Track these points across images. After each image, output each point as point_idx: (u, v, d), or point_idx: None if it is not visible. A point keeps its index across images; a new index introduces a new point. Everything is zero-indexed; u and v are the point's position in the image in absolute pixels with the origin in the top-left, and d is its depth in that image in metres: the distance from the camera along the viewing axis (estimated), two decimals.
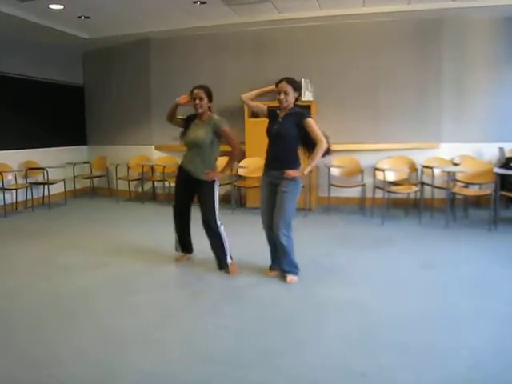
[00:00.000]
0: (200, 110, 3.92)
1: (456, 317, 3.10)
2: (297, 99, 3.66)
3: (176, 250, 4.34)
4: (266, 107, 3.81)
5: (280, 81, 3.62)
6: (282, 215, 3.64)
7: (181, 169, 4.12)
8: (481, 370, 2.40)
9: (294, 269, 3.82)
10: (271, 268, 3.96)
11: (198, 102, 3.89)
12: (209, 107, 3.98)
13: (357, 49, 7.12)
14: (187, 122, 4.06)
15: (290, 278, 3.79)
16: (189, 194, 4.10)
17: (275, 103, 3.71)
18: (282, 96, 3.57)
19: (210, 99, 3.98)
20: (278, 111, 3.68)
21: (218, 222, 3.99)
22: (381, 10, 6.53)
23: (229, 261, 4.00)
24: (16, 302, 3.48)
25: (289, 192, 3.63)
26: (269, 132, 3.68)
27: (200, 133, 3.92)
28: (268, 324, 3.07)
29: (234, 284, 3.80)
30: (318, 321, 3.10)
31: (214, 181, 3.99)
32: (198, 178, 3.97)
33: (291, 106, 3.63)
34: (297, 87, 3.63)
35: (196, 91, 3.90)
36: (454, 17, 6.64)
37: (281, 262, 3.83)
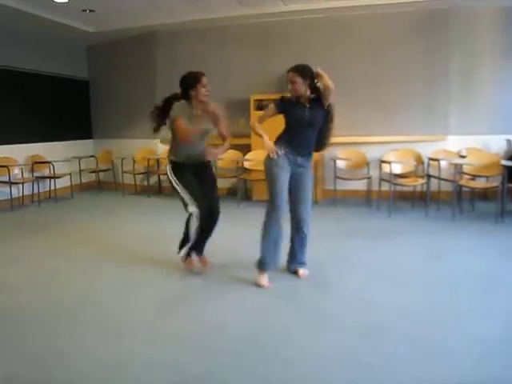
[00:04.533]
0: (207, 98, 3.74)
1: (464, 309, 3.09)
2: (311, 86, 3.50)
3: (186, 255, 3.95)
4: (272, 105, 3.64)
5: (287, 71, 3.54)
6: (309, 204, 3.68)
7: (184, 166, 3.77)
8: (489, 363, 2.40)
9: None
10: (292, 267, 3.84)
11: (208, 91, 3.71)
12: None
13: (364, 40, 7.07)
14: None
15: (305, 271, 3.79)
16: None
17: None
18: (290, 86, 3.51)
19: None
20: (294, 99, 3.56)
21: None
22: (388, 1, 6.49)
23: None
24: (18, 296, 3.49)
25: (310, 183, 3.71)
26: (299, 120, 3.52)
27: (208, 127, 3.78)
28: (274, 315, 3.08)
29: (238, 276, 3.80)
30: (326, 312, 3.10)
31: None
32: (204, 161, 3.83)
33: (308, 93, 3.51)
34: (306, 75, 3.48)
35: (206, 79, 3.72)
36: (462, 7, 6.57)
37: (300, 254, 3.78)
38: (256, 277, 3.61)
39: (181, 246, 3.91)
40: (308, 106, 3.52)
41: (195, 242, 3.83)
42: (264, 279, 3.59)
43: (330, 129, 3.66)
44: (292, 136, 3.56)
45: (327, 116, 3.60)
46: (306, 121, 3.51)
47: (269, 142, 3.53)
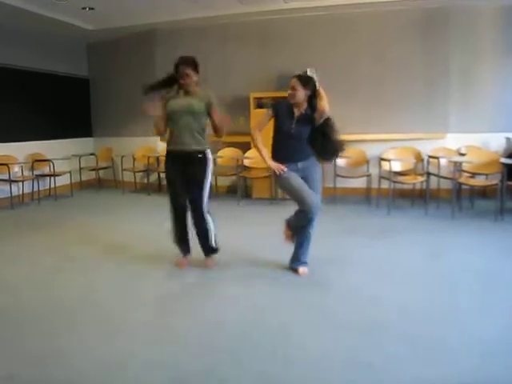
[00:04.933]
0: (189, 89, 3.73)
1: (464, 307, 3.10)
2: (310, 98, 3.54)
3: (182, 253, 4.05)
4: (268, 110, 3.69)
5: (292, 77, 3.57)
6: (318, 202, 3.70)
7: (170, 155, 3.81)
8: (490, 362, 2.40)
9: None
10: (293, 265, 3.87)
11: (186, 79, 3.70)
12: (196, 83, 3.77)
13: (364, 39, 7.06)
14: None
15: (305, 269, 3.80)
16: (185, 182, 3.80)
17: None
18: (289, 91, 3.54)
19: (197, 72, 3.80)
20: (288, 105, 3.59)
21: (205, 207, 3.79)
22: None
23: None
24: (18, 296, 3.49)
25: (318, 179, 3.73)
26: (285, 130, 3.57)
27: (193, 101, 3.70)
28: (273, 313, 3.09)
29: (240, 274, 3.81)
30: (325, 310, 3.11)
31: (207, 159, 3.79)
32: (192, 153, 3.72)
33: (304, 105, 3.56)
34: (308, 85, 3.51)
35: (182, 68, 3.74)
36: (462, 6, 6.57)
37: (302, 253, 3.80)
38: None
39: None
40: (297, 118, 3.57)
41: (178, 241, 3.98)
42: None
43: (334, 142, 3.66)
44: (282, 146, 3.62)
45: (324, 129, 3.60)
46: (291, 133, 3.57)
47: (271, 161, 3.59)
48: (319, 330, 2.83)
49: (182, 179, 3.75)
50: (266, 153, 3.63)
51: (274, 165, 3.57)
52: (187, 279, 3.77)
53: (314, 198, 3.55)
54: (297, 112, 3.58)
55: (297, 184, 3.56)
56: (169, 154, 3.81)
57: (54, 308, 3.25)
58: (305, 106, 3.57)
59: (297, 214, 3.66)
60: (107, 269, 4.06)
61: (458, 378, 2.27)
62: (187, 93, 3.75)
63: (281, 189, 3.69)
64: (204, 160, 3.75)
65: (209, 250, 3.96)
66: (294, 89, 3.51)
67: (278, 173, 3.55)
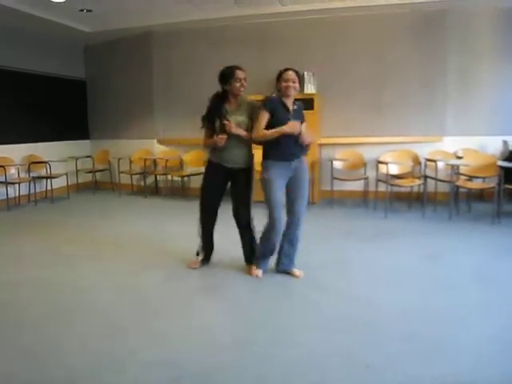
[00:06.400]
0: (242, 92, 3.69)
1: (461, 309, 3.10)
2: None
3: (198, 254, 4.03)
4: (262, 110, 3.56)
5: (286, 69, 3.52)
6: (304, 204, 3.66)
7: (213, 165, 3.80)
8: (487, 362, 2.40)
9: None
10: (283, 267, 3.83)
11: (244, 83, 3.65)
12: None
13: (361, 41, 7.07)
14: (215, 110, 3.72)
15: (301, 271, 3.78)
16: (222, 192, 3.88)
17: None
18: (291, 84, 3.47)
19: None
20: (280, 98, 3.54)
21: (252, 216, 3.86)
22: (385, 2, 6.51)
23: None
24: (16, 296, 3.48)
25: (308, 178, 3.68)
26: (284, 123, 3.46)
27: (241, 119, 3.68)
28: (273, 316, 3.08)
29: (236, 276, 3.80)
30: (323, 311, 3.10)
31: (252, 170, 3.84)
32: (238, 168, 3.77)
33: (293, 99, 3.58)
34: (299, 78, 3.57)
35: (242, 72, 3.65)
36: (459, 8, 6.59)
37: (291, 256, 3.76)
38: (252, 270, 3.78)
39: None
40: (291, 111, 3.55)
41: (202, 242, 3.99)
42: (259, 272, 3.76)
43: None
44: (279, 142, 3.50)
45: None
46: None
47: (284, 126, 3.45)
48: (317, 332, 2.82)
49: None
50: (278, 128, 3.49)
51: (291, 124, 3.44)
52: (185, 280, 3.75)
53: (281, 214, 3.56)
54: (289, 105, 3.54)
55: (274, 194, 3.53)
56: None
57: (52, 307, 3.23)
58: (293, 99, 3.57)
59: (263, 232, 3.68)
60: (104, 270, 4.04)
61: (455, 378, 2.27)
62: (230, 103, 3.77)
63: (262, 188, 3.63)
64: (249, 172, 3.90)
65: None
66: (294, 82, 3.49)
67: (294, 131, 3.44)
